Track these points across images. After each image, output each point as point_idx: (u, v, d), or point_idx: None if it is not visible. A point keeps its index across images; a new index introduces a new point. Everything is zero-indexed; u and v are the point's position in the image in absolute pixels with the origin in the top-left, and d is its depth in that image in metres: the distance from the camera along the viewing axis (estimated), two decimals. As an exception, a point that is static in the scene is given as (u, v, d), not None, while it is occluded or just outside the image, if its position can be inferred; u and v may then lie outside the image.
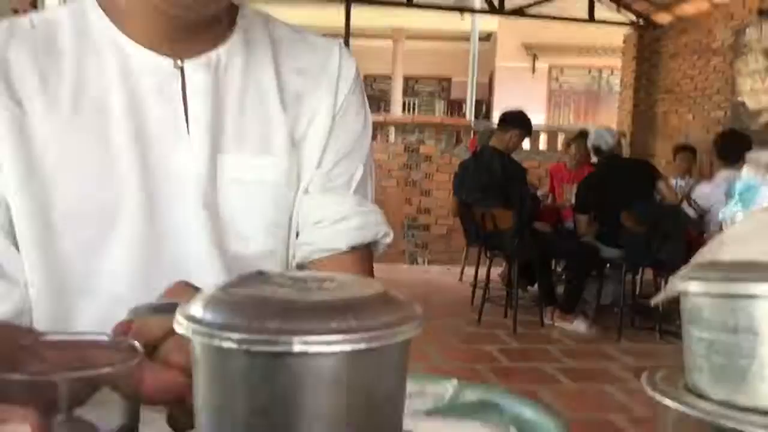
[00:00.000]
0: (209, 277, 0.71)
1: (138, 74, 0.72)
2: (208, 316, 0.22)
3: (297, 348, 0.20)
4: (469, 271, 5.51)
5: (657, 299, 0.43)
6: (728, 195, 3.95)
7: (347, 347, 0.21)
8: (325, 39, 0.83)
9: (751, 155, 3.83)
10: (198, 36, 0.74)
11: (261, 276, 0.25)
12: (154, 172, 0.72)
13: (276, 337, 0.20)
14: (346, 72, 0.80)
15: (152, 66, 0.72)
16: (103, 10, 0.73)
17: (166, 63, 0.73)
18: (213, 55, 0.75)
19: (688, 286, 0.39)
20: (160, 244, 0.72)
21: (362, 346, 0.21)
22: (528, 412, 0.53)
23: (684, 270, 0.39)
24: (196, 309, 0.23)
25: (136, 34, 0.72)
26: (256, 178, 0.75)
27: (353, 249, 0.78)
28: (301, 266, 0.79)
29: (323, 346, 0.20)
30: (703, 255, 0.40)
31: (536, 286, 4.86)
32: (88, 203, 0.70)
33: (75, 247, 0.70)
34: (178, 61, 0.73)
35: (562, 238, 4.77)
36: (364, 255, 0.80)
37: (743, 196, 3.54)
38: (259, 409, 0.20)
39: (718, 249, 0.39)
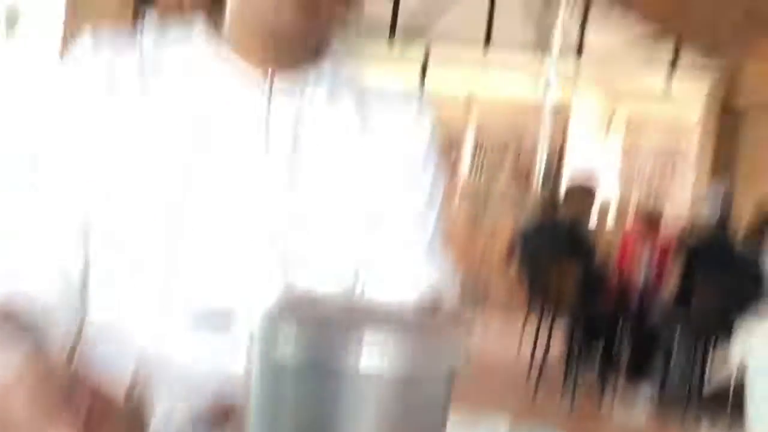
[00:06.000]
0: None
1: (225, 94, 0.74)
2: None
3: (355, 370, 0.23)
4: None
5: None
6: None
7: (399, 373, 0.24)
8: (404, 95, 0.84)
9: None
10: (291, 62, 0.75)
11: (315, 300, 0.28)
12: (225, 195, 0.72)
13: (337, 358, 0.23)
14: (423, 125, 0.81)
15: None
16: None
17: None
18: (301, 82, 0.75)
19: None
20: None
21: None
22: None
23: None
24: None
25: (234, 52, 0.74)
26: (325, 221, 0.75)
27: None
28: None
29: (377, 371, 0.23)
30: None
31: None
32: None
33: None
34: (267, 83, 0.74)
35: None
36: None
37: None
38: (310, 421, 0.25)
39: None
